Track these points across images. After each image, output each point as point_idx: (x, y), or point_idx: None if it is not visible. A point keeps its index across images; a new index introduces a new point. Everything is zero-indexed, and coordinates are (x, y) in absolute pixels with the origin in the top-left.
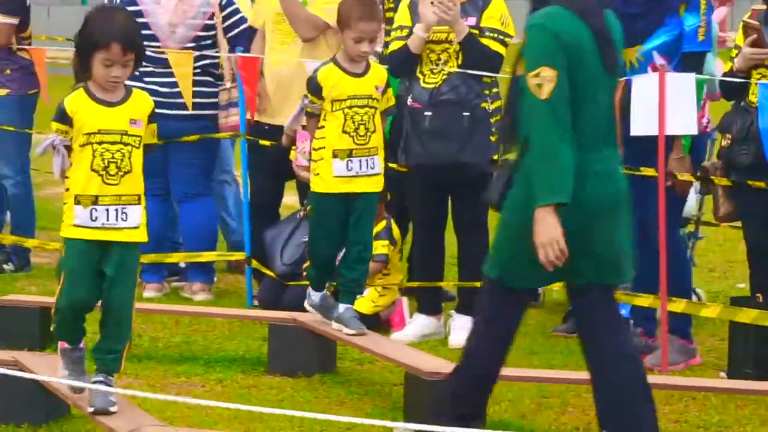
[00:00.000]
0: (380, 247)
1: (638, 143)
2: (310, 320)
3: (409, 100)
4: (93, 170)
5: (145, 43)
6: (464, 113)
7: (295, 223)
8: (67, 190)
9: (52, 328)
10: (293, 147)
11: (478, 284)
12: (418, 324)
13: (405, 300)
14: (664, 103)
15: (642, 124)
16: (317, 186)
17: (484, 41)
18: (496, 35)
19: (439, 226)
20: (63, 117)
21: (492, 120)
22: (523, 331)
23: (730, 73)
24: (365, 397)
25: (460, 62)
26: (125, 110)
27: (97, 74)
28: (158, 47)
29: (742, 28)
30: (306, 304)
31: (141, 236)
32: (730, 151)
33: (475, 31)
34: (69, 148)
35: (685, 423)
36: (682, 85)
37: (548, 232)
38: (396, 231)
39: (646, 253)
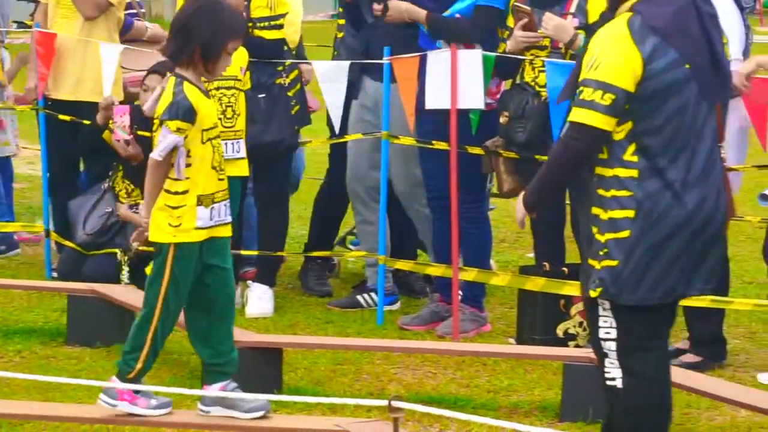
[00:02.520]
0: None
1: (433, 116)
2: (109, 291)
3: None
4: (213, 167)
5: None
6: (260, 95)
7: (99, 194)
8: (180, 193)
9: (142, 361)
10: (110, 122)
11: (275, 254)
12: None
13: None
14: (455, 78)
15: (435, 97)
16: None
17: (258, 32)
18: (267, 23)
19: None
20: (189, 114)
21: (290, 93)
22: (320, 301)
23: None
24: (164, 365)
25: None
26: (212, 101)
27: (222, 64)
28: None
29: (513, 12)
30: None
31: (230, 230)
32: (508, 129)
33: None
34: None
35: (476, 388)
36: (471, 60)
37: None
38: None
39: (447, 224)
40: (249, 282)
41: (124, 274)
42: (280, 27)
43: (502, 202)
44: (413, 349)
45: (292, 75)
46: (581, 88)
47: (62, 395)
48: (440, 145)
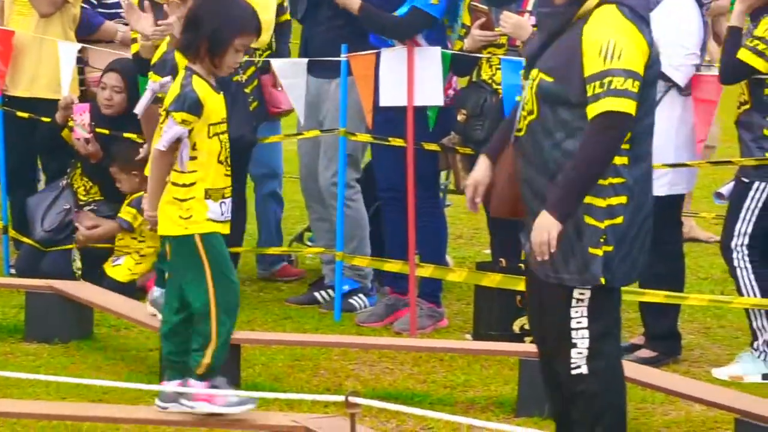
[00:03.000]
0: (126, 213)
1: (387, 113)
2: (67, 287)
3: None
4: (220, 162)
5: None
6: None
7: (57, 191)
8: (187, 185)
9: (210, 357)
10: (70, 120)
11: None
12: None
13: None
14: (412, 75)
15: (390, 95)
16: None
17: None
18: None
19: None
20: (196, 107)
21: (247, 90)
22: (278, 297)
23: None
24: (121, 362)
25: None
26: (221, 96)
27: (228, 61)
28: None
29: (470, 11)
30: (148, 307)
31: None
32: (465, 126)
33: None
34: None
35: (433, 383)
36: (429, 58)
37: None
38: None
39: (402, 220)
40: None
41: (77, 269)
42: None
43: (459, 198)
44: (370, 345)
45: (249, 71)
46: (609, 78)
47: (20, 392)
48: (397, 142)
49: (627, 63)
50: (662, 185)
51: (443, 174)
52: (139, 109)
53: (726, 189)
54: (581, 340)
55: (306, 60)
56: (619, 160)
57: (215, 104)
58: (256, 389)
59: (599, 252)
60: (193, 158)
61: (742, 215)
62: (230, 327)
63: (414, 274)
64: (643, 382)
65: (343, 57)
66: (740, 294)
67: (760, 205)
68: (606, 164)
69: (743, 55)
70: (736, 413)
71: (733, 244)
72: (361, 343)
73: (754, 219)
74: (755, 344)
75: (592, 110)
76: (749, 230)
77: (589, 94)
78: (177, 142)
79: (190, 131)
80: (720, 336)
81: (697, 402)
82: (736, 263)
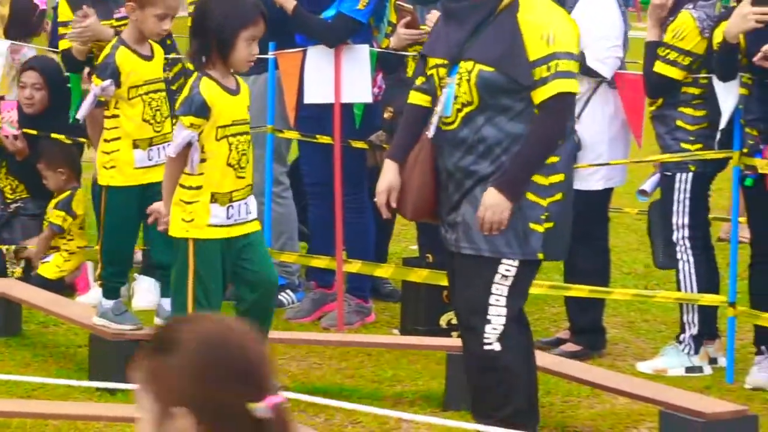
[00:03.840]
0: (55, 217)
1: (313, 110)
2: None
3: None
4: (228, 165)
5: None
6: None
7: None
8: (194, 188)
9: None
10: None
11: None
12: None
13: (90, 264)
14: (339, 73)
15: (316, 92)
16: (115, 180)
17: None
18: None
19: None
20: (202, 110)
21: (173, 87)
22: None
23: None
24: (50, 358)
25: None
26: (243, 98)
27: (240, 56)
28: None
29: (395, 9)
30: (96, 319)
31: (257, 225)
32: (392, 124)
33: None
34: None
35: (361, 378)
36: (357, 55)
37: None
38: (79, 203)
39: (328, 216)
40: (136, 275)
41: (14, 270)
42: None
43: None
44: (298, 341)
45: (176, 69)
46: (555, 62)
47: None
48: (324, 140)
49: (567, 46)
50: (599, 179)
51: None
52: (81, 114)
53: (648, 184)
54: (497, 317)
55: None
56: None
57: (224, 106)
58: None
59: (540, 228)
60: (201, 161)
61: (674, 209)
62: None
63: (342, 270)
64: (569, 376)
65: (270, 54)
66: (678, 288)
67: (688, 195)
68: (556, 144)
69: (658, 67)
70: (660, 406)
71: (675, 239)
72: (289, 339)
73: (687, 210)
74: (681, 337)
75: (542, 93)
76: (687, 221)
77: (536, 78)
78: (188, 147)
79: (200, 134)
80: (644, 330)
81: (622, 395)
82: (679, 256)
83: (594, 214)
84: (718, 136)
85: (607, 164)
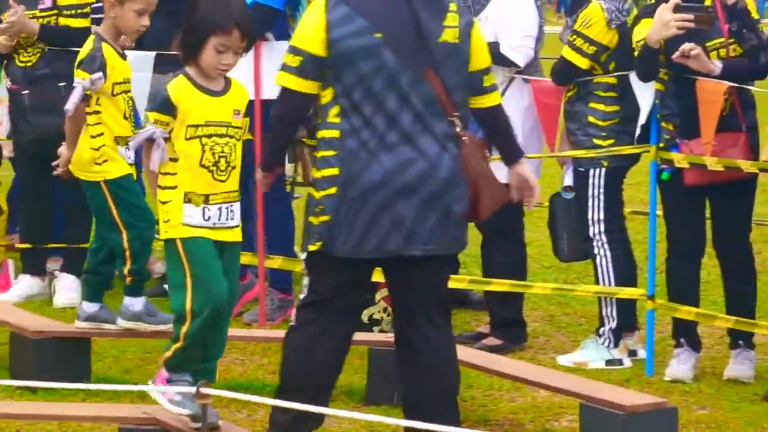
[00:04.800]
0: None
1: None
2: None
3: (8, 82)
4: (202, 166)
5: None
6: (60, 84)
7: None
8: (168, 188)
9: (172, 352)
10: None
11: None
12: (24, 285)
13: (11, 262)
14: (259, 69)
15: None
16: (111, 173)
17: (63, 21)
18: (74, 11)
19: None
20: (166, 107)
21: None
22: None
23: None
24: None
25: None
26: (229, 100)
27: (206, 61)
28: None
29: None
30: (78, 323)
31: (239, 235)
32: (311, 118)
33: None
34: (165, 141)
35: None
36: (276, 51)
37: None
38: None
39: (247, 211)
40: (56, 272)
41: None
42: (86, 15)
43: (305, 191)
44: None
45: None
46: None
47: None
48: (244, 135)
49: (294, 40)
50: None
51: (291, 166)
52: (69, 106)
53: (569, 178)
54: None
55: (153, 54)
56: (330, 133)
57: (197, 106)
58: (107, 382)
59: (315, 221)
60: (174, 160)
61: (590, 204)
62: (201, 330)
63: (263, 265)
64: (490, 370)
65: None
66: (596, 282)
67: (602, 190)
68: (283, 135)
69: (565, 52)
70: (580, 398)
71: (591, 234)
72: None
73: (602, 205)
74: (601, 330)
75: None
76: (602, 216)
77: None
78: (151, 142)
79: (171, 132)
80: (564, 323)
81: (543, 388)
82: (596, 251)
83: (509, 209)
84: (638, 131)
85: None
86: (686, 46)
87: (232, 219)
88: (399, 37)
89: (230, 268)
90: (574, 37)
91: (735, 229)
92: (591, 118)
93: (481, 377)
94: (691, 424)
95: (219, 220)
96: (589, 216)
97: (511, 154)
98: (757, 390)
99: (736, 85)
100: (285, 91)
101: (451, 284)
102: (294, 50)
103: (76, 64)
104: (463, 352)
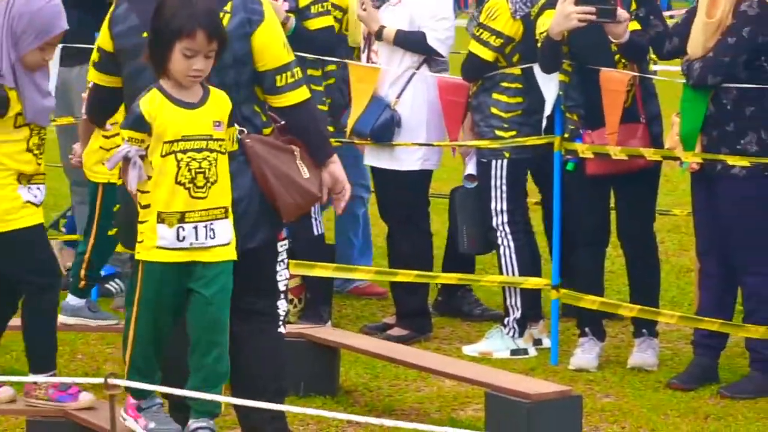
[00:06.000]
0: None
1: None
2: None
3: None
4: (178, 183)
5: None
6: None
7: None
8: (144, 207)
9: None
10: None
11: None
12: None
13: None
14: None
15: None
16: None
17: None
18: None
19: None
20: (140, 123)
21: None
22: None
23: None
24: None
25: None
26: (207, 112)
27: (176, 68)
28: None
29: None
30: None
31: (231, 254)
32: None
33: None
34: (142, 158)
35: None
36: None
37: None
38: None
39: None
40: None
41: None
42: None
43: None
44: (92, 328)
45: None
46: None
47: None
48: None
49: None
50: (416, 160)
51: None
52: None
53: (471, 167)
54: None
55: (61, 46)
56: None
57: (173, 121)
58: (14, 374)
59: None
60: (149, 178)
61: (492, 194)
62: (147, 358)
63: None
64: (396, 360)
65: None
66: (500, 272)
67: (504, 181)
68: None
69: (472, 46)
70: (486, 387)
71: (494, 224)
72: (118, 327)
73: (504, 196)
74: (506, 320)
75: None
76: (505, 207)
77: None
78: (128, 161)
79: (147, 149)
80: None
81: (449, 378)
82: (500, 242)
83: (414, 198)
84: (545, 122)
85: (426, 144)
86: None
87: (212, 238)
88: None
89: (212, 284)
90: (480, 30)
91: (638, 219)
92: (494, 110)
93: (386, 367)
94: (595, 412)
95: (196, 240)
96: (492, 207)
97: (319, 154)
98: (661, 377)
99: (639, 74)
100: (91, 85)
101: (360, 275)
102: (96, 45)
103: None
104: (369, 343)
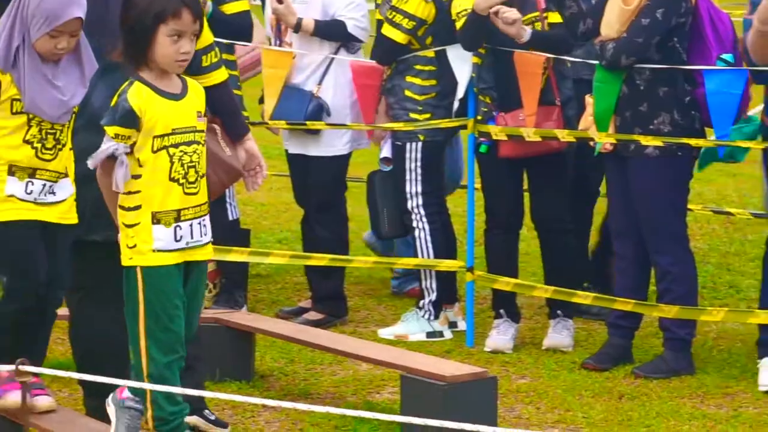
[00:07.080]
0: None
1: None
2: None
3: None
4: (172, 180)
5: None
6: None
7: None
8: (132, 209)
9: (149, 403)
10: None
11: None
12: None
13: None
14: None
15: None
16: None
17: None
18: None
19: None
20: (129, 119)
21: None
22: None
23: None
24: None
25: None
26: (190, 102)
27: (162, 53)
28: None
29: None
30: None
31: (209, 253)
32: None
33: None
34: (127, 155)
35: None
36: None
37: None
38: None
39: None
40: None
41: None
42: None
43: None
44: None
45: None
46: None
47: None
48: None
49: None
50: (346, 143)
51: None
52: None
53: (387, 150)
54: None
55: None
56: None
57: (162, 114)
58: None
59: None
60: (136, 177)
61: (407, 177)
62: (167, 369)
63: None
64: (312, 344)
65: None
66: (415, 254)
67: (419, 164)
68: None
69: (385, 29)
70: (401, 370)
71: (409, 207)
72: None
73: (420, 178)
74: (421, 303)
75: None
76: (420, 189)
77: None
78: (112, 160)
79: (133, 146)
80: (385, 297)
81: (365, 361)
82: (414, 224)
83: (334, 183)
84: (456, 105)
85: (340, 126)
86: (503, 8)
87: (205, 235)
88: (89, 20)
89: (197, 290)
90: (393, 13)
91: (552, 201)
92: (408, 92)
93: (302, 351)
94: (511, 393)
95: (192, 238)
96: (407, 189)
97: (236, 131)
98: (575, 358)
99: (553, 56)
100: None
101: (274, 260)
102: None
103: None
104: (284, 327)
